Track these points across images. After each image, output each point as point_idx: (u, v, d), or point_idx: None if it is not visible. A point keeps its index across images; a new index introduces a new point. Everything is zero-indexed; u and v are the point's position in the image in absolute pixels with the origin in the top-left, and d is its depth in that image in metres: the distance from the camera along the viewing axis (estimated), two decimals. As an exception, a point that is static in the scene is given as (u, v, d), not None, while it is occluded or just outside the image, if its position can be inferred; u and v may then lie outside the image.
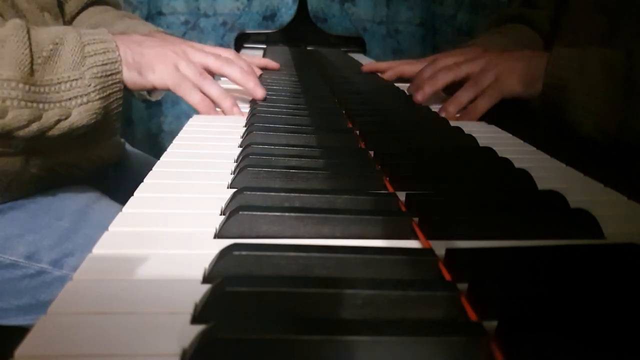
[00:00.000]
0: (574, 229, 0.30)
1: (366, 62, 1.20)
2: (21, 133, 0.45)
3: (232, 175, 0.38)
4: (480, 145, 0.48)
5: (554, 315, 0.20)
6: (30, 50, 0.44)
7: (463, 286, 0.23)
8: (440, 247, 0.27)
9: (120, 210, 0.63)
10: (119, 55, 0.50)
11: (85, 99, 0.47)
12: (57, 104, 0.46)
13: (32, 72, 0.44)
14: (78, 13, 0.80)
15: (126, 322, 0.21)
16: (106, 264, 0.25)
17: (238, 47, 1.44)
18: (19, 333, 0.19)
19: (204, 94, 0.57)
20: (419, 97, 0.65)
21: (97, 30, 0.51)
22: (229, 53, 0.63)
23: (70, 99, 0.46)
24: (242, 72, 0.60)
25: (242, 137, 0.49)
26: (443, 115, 0.62)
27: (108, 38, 0.50)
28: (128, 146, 0.87)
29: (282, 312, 0.21)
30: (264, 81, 0.76)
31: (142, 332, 0.20)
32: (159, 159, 0.42)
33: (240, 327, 0.19)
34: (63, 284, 0.59)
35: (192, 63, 0.56)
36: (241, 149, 0.44)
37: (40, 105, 0.45)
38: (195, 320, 0.21)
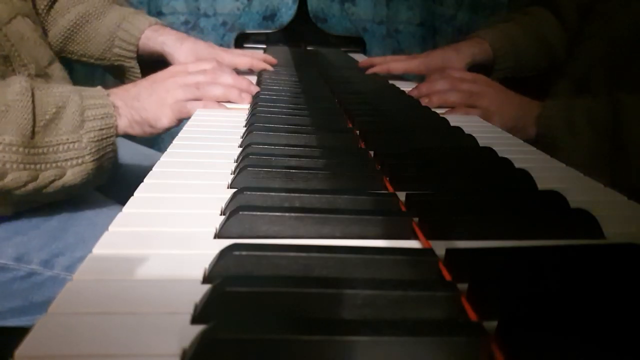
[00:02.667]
0: (574, 229, 0.30)
1: (366, 62, 1.20)
2: (18, 192, 0.48)
3: (232, 175, 0.38)
4: (480, 145, 0.48)
5: (554, 316, 0.20)
6: (34, 114, 0.47)
7: (463, 286, 0.23)
8: (440, 247, 0.27)
9: (111, 205, 0.63)
10: (116, 120, 0.54)
11: (80, 161, 0.50)
12: (54, 164, 0.49)
13: (33, 135, 0.47)
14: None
15: (126, 322, 0.20)
16: (106, 264, 0.25)
17: (238, 47, 1.44)
18: (19, 333, 0.19)
19: (209, 98, 0.61)
20: (414, 92, 0.72)
21: (97, 94, 0.54)
22: (212, 64, 0.65)
23: (66, 160, 0.50)
24: (225, 89, 0.63)
25: (242, 137, 0.49)
26: (425, 102, 0.68)
27: (107, 102, 0.53)
28: (119, 139, 0.85)
29: (282, 312, 0.21)
30: (264, 81, 0.76)
31: (142, 332, 0.20)
32: (155, 154, 0.42)
33: (241, 327, 0.19)
34: (55, 284, 0.58)
35: (185, 86, 0.60)
36: (241, 149, 0.44)
37: (38, 166, 0.48)
38: (195, 320, 0.21)
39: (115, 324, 0.20)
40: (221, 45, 1.66)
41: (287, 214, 0.29)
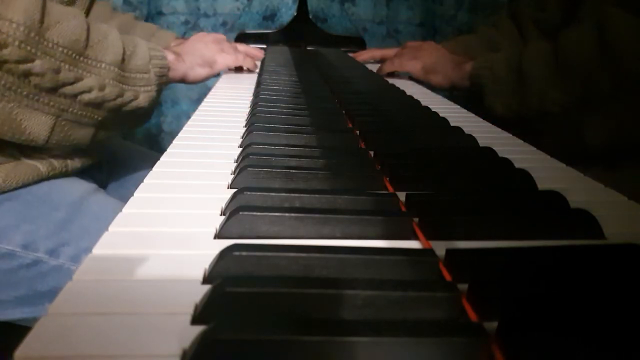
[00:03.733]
0: (575, 229, 0.30)
1: (366, 62, 1.20)
2: (109, 104, 0.60)
3: (232, 176, 0.38)
4: (480, 145, 0.48)
5: (554, 316, 0.20)
6: (123, 46, 0.61)
7: (463, 287, 0.23)
8: (440, 248, 0.27)
9: (114, 202, 0.64)
10: (172, 68, 0.71)
11: (149, 88, 0.65)
12: (133, 88, 0.62)
13: (123, 61, 0.61)
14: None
15: (126, 323, 0.20)
16: (106, 264, 0.25)
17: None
18: (19, 333, 0.19)
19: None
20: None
21: (154, 44, 0.70)
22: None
23: (140, 85, 0.63)
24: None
25: (242, 137, 0.49)
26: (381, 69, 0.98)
27: (160, 48, 0.69)
28: (119, 139, 0.88)
29: (283, 313, 0.21)
30: (264, 81, 0.76)
31: (142, 332, 0.20)
32: (155, 154, 0.42)
33: (241, 328, 0.19)
34: (59, 274, 0.61)
35: (228, 45, 0.89)
36: (241, 149, 0.44)
37: (124, 86, 0.61)
38: (195, 320, 0.21)
39: (115, 324, 0.20)
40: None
41: (287, 214, 0.29)
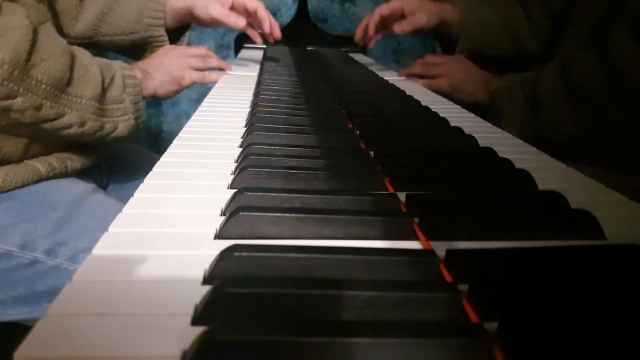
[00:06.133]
0: (575, 230, 0.30)
1: (366, 62, 1.20)
2: (88, 138, 0.61)
3: (232, 176, 0.38)
4: (480, 145, 0.48)
5: (555, 317, 0.20)
6: (102, 79, 0.61)
7: (464, 287, 0.23)
8: (441, 248, 0.27)
9: (113, 200, 0.64)
10: (142, 87, 0.70)
11: (126, 117, 0.65)
12: (111, 119, 0.63)
13: (102, 94, 0.61)
14: None
15: (126, 324, 0.20)
16: (106, 265, 0.25)
17: (238, 47, 1.44)
18: (19, 333, 0.19)
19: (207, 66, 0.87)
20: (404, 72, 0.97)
21: (126, 65, 0.69)
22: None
23: (118, 116, 0.64)
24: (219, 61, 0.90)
25: (242, 137, 0.49)
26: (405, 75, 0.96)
27: (134, 73, 0.69)
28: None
29: (283, 314, 0.21)
30: (263, 81, 0.76)
31: (142, 333, 0.20)
32: (155, 154, 0.42)
33: (241, 329, 0.19)
34: (57, 274, 0.62)
35: (194, 58, 0.83)
36: (241, 149, 0.44)
37: (103, 119, 0.62)
38: (195, 321, 0.21)
39: (115, 325, 0.20)
40: (221, 45, 1.66)
41: (287, 215, 0.29)
